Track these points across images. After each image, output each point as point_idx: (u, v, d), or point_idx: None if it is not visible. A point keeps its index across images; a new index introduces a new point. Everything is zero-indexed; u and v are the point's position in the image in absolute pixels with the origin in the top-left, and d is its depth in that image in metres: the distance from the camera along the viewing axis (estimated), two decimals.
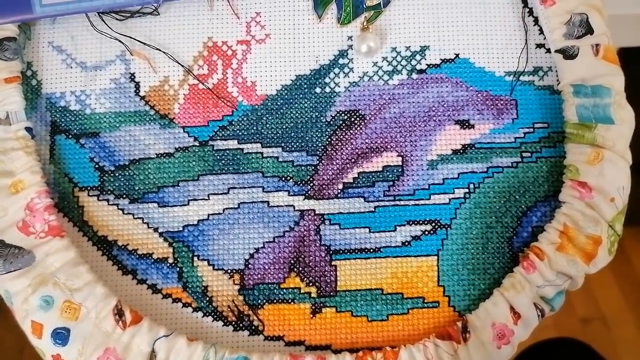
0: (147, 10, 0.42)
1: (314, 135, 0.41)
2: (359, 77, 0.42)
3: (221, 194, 0.40)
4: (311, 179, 0.41)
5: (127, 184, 0.40)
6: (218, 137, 0.41)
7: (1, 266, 0.37)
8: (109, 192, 0.40)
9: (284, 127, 0.41)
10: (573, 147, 0.39)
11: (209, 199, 0.40)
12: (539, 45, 0.42)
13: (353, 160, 0.41)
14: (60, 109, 0.41)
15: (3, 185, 0.38)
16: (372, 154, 0.41)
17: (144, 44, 0.42)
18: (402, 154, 0.41)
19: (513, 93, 0.42)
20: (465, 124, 0.41)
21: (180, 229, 0.40)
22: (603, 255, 0.38)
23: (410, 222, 0.40)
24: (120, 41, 0.42)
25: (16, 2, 0.40)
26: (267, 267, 0.39)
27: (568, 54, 0.40)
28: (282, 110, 0.41)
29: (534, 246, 0.38)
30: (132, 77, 0.42)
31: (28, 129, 0.40)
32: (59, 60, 0.42)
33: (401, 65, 0.42)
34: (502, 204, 0.40)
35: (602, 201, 0.38)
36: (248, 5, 0.43)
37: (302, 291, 0.39)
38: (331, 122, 0.41)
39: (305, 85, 0.42)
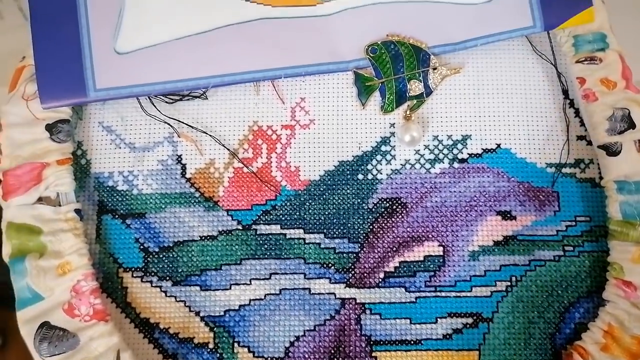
0: (196, 93, 0.43)
1: (356, 222, 0.41)
2: (401, 164, 0.43)
3: (263, 279, 0.41)
4: (352, 267, 0.41)
5: (170, 266, 0.41)
6: (261, 222, 0.42)
7: (46, 349, 0.37)
8: (153, 273, 0.41)
9: (327, 213, 0.42)
10: (617, 244, 0.39)
11: (250, 283, 0.41)
12: (580, 137, 0.43)
13: (394, 248, 0.41)
14: (108, 188, 0.42)
15: (51, 266, 0.39)
16: (414, 243, 0.41)
17: (191, 127, 0.43)
18: (443, 243, 0.41)
19: (555, 185, 0.42)
20: (506, 215, 0.41)
21: (222, 313, 0.40)
22: None
23: (452, 315, 0.40)
24: (168, 124, 0.43)
25: (71, 87, 0.41)
26: (307, 356, 0.39)
27: (611, 151, 0.40)
28: (324, 196, 0.42)
29: (578, 345, 0.38)
30: (179, 159, 0.43)
31: (77, 211, 0.40)
32: (108, 141, 0.43)
33: (443, 153, 0.43)
34: (545, 299, 0.40)
35: None
36: (293, 90, 0.44)
37: None
38: (373, 210, 0.42)
39: (348, 172, 0.42)
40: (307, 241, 0.41)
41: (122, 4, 0.41)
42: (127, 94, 0.41)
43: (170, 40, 0.42)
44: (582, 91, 0.42)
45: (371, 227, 0.41)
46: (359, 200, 0.42)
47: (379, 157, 0.43)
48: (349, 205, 0.42)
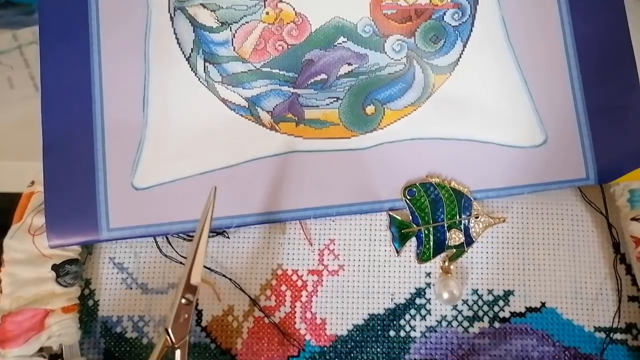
0: (217, 230, 0.40)
1: None
2: (436, 321, 0.39)
3: None
4: None
5: None
6: None
7: None
8: None
9: None
10: None
11: None
12: (632, 298, 0.39)
13: None
14: (115, 336, 0.39)
15: None
16: None
17: (210, 269, 0.39)
18: None
19: (604, 353, 0.38)
20: None
21: None
22: None
23: None
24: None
25: (83, 224, 0.37)
26: None
27: None
28: (352, 355, 0.38)
29: None
30: (195, 304, 0.39)
31: None
32: (119, 280, 0.39)
33: (482, 310, 0.39)
34: None
35: None
36: (322, 231, 0.40)
37: None
38: None
39: (379, 327, 0.39)
40: None
41: (143, 136, 0.38)
42: (142, 234, 0.38)
43: (193, 175, 0.38)
44: (638, 252, 0.38)
45: None
46: None
47: (412, 312, 0.39)
48: None
